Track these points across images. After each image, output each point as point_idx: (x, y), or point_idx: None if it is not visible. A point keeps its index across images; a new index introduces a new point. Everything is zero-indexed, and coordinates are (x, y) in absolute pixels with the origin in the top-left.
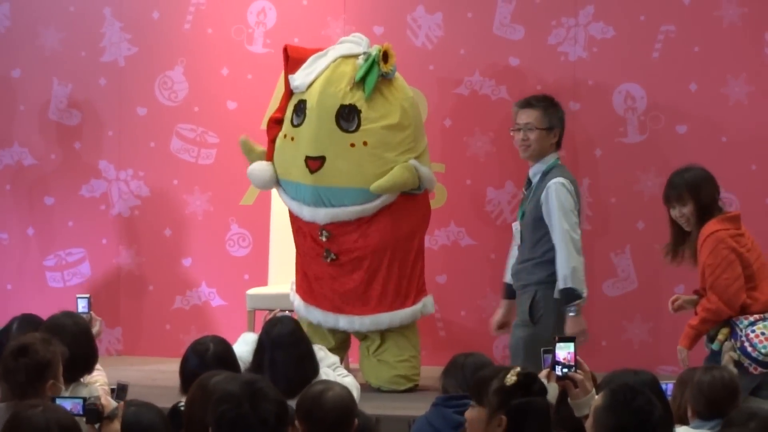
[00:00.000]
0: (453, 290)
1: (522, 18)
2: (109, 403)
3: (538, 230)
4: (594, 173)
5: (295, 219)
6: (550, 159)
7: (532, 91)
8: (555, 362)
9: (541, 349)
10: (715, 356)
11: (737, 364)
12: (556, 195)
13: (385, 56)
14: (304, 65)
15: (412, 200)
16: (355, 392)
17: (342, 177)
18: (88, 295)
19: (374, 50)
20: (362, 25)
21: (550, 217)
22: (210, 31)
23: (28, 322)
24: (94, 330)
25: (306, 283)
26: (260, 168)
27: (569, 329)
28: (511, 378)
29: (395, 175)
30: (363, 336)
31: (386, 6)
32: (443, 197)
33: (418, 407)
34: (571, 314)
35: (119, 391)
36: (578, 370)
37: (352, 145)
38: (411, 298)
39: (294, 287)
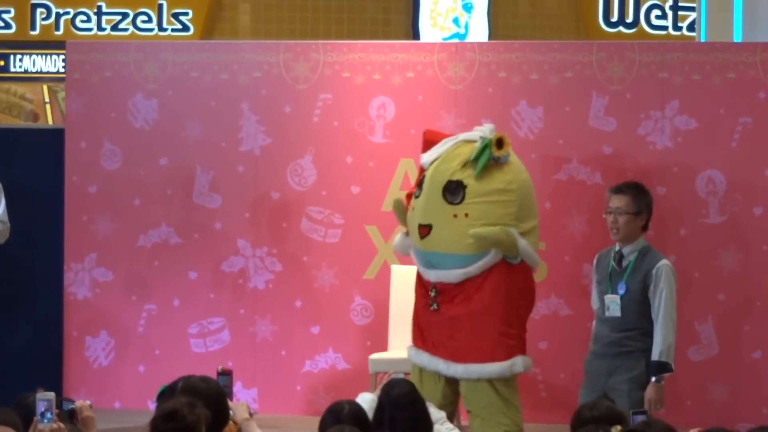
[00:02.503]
0: (553, 355)
1: (614, 111)
2: None
3: (642, 304)
4: (679, 250)
5: (418, 276)
6: (642, 240)
7: (623, 177)
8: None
9: (630, 411)
10: None
11: None
12: (666, 277)
13: (500, 143)
14: (436, 147)
15: (513, 268)
16: None
17: (445, 244)
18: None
19: (490, 134)
20: (471, 118)
21: (658, 296)
22: (336, 123)
23: (192, 385)
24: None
25: (418, 331)
26: (399, 240)
27: (650, 394)
28: (615, 429)
29: (492, 230)
30: (463, 391)
31: (493, 100)
32: (544, 272)
33: None
34: (655, 381)
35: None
36: None
37: (455, 216)
38: (503, 354)
39: (411, 342)
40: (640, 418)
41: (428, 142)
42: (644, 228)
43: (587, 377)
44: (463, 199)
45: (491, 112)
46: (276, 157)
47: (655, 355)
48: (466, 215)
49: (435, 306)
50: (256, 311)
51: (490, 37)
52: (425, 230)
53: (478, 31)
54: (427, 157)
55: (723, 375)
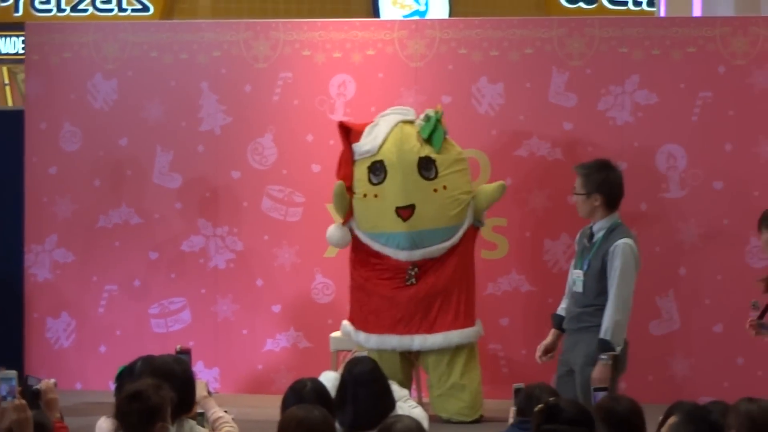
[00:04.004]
0: (514, 331)
1: (574, 87)
2: None
3: (601, 281)
4: (640, 225)
5: (375, 261)
6: (613, 217)
7: (583, 153)
8: None
9: (592, 388)
10: None
11: None
12: (622, 254)
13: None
14: (365, 134)
15: (472, 236)
16: (425, 422)
17: (430, 219)
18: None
19: (432, 112)
20: (431, 95)
21: (612, 274)
22: (296, 102)
23: (149, 363)
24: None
25: (375, 317)
26: (335, 233)
27: (595, 373)
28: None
29: (489, 189)
30: (431, 366)
31: (453, 78)
32: (505, 248)
33: None
34: (602, 361)
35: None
36: None
37: (435, 190)
38: (471, 319)
39: (353, 328)
40: (601, 394)
41: (354, 132)
42: (609, 206)
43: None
44: (437, 173)
45: (452, 89)
46: (236, 136)
47: (601, 332)
48: (444, 187)
49: (413, 281)
50: (217, 291)
51: (450, 14)
52: (408, 211)
53: (439, 8)
54: (368, 144)
55: (684, 349)
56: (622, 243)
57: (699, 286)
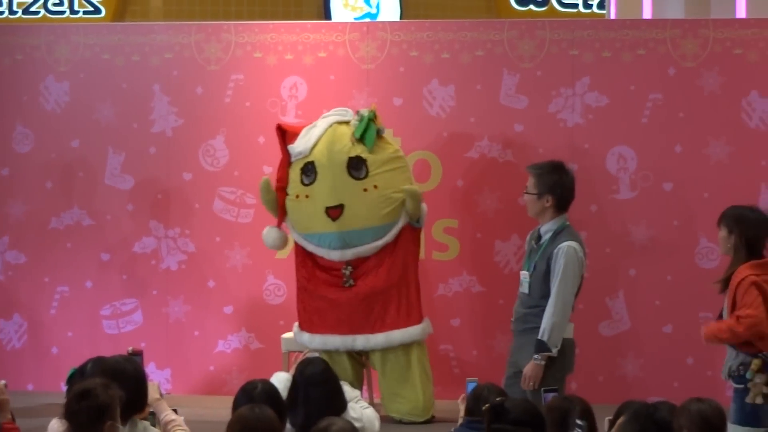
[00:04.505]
0: (466, 332)
1: (525, 89)
2: None
3: (546, 283)
4: (590, 226)
5: (311, 262)
6: (560, 220)
7: (534, 154)
8: None
9: (542, 389)
10: (748, 388)
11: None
12: (566, 257)
13: (375, 116)
14: (301, 135)
15: (413, 234)
16: (377, 423)
17: (360, 219)
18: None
19: (366, 111)
20: (383, 97)
21: (554, 276)
22: (248, 104)
23: (99, 364)
24: None
25: (318, 317)
26: (269, 235)
27: (526, 371)
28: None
29: (414, 187)
30: (380, 367)
31: (404, 79)
32: (456, 249)
33: None
34: (535, 360)
35: None
36: None
37: (365, 190)
38: (415, 318)
39: (299, 329)
40: (552, 395)
41: (290, 134)
42: (559, 208)
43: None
44: (367, 172)
45: (403, 91)
46: (188, 138)
47: (539, 333)
48: (375, 187)
49: (351, 282)
50: (168, 292)
51: (401, 17)
52: (337, 211)
53: (390, 10)
54: (301, 146)
55: (634, 349)
56: (566, 246)
57: (649, 287)
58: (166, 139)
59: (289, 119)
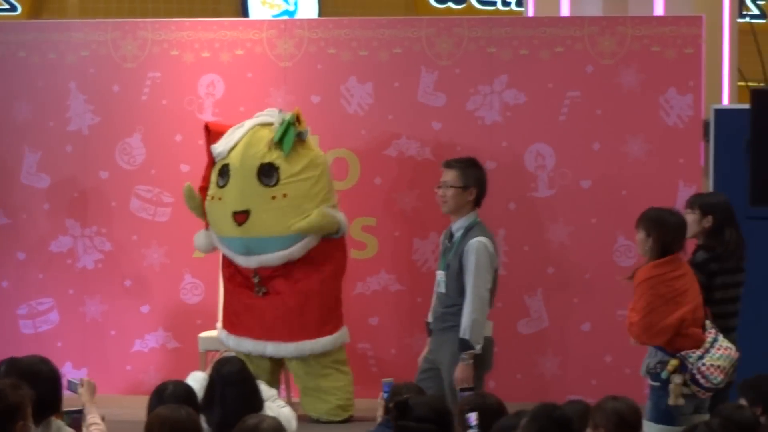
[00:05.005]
0: (384, 331)
1: (443, 86)
2: None
3: (461, 280)
4: (509, 224)
5: (228, 263)
6: (471, 216)
7: (453, 152)
8: None
9: (459, 388)
10: (665, 386)
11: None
12: (477, 253)
13: (298, 119)
14: (225, 135)
15: (332, 244)
16: (293, 422)
17: (265, 227)
18: (78, 380)
19: (287, 115)
20: (300, 95)
21: (467, 272)
22: (165, 102)
23: (14, 365)
24: (92, 386)
25: (236, 318)
26: (198, 237)
27: (458, 373)
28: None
29: (314, 219)
30: (295, 370)
31: (322, 77)
32: (374, 248)
33: None
34: (462, 361)
35: None
36: None
37: (273, 197)
38: (329, 328)
39: (221, 326)
40: (467, 394)
41: (214, 134)
42: (476, 204)
43: (427, 351)
44: (278, 180)
45: (321, 89)
46: (104, 136)
47: (460, 332)
48: (285, 195)
49: (263, 291)
50: (85, 291)
51: (319, 14)
52: (243, 216)
53: (308, 8)
54: (221, 147)
55: (553, 348)
56: (476, 242)
57: (567, 285)
58: (83, 137)
59: (206, 117)
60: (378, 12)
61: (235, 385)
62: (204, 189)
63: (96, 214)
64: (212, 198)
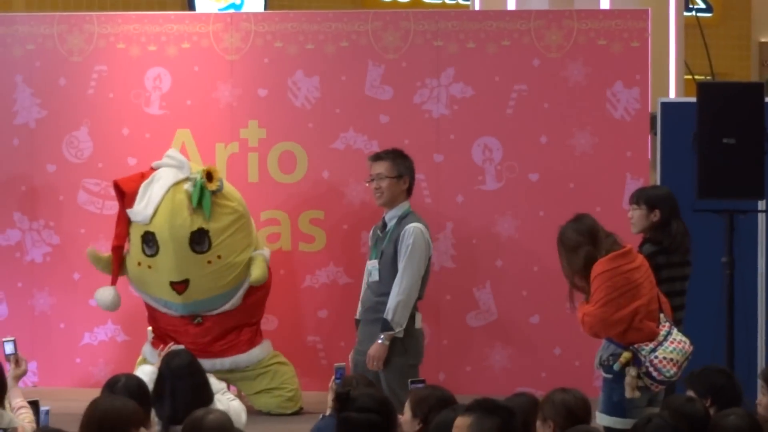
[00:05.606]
0: (333, 323)
1: (390, 80)
2: None
3: (395, 266)
4: (457, 217)
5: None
6: (405, 205)
7: (400, 145)
8: None
9: (409, 380)
10: (618, 379)
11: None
12: (414, 237)
13: (209, 176)
14: (138, 197)
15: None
16: (243, 415)
17: (205, 290)
18: (12, 338)
19: (198, 175)
20: (247, 89)
21: (401, 256)
22: (111, 95)
23: None
24: (21, 369)
25: (170, 338)
26: (104, 297)
27: (371, 351)
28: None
29: (261, 267)
30: (237, 378)
31: (269, 70)
32: (322, 241)
33: (304, 428)
34: (379, 340)
35: None
36: None
37: (209, 262)
38: (257, 339)
39: (151, 339)
40: (418, 386)
41: (128, 194)
42: (408, 193)
43: (356, 344)
44: (210, 245)
45: (268, 82)
46: (51, 129)
47: (385, 312)
48: (219, 257)
49: (200, 320)
50: (33, 284)
51: (266, 7)
52: (182, 286)
53: (254, 1)
54: (140, 211)
55: (502, 340)
56: (413, 227)
57: (516, 278)
58: (30, 130)
59: (153, 111)
60: (324, 5)
61: (184, 378)
62: (119, 248)
63: (44, 207)
64: (140, 264)
